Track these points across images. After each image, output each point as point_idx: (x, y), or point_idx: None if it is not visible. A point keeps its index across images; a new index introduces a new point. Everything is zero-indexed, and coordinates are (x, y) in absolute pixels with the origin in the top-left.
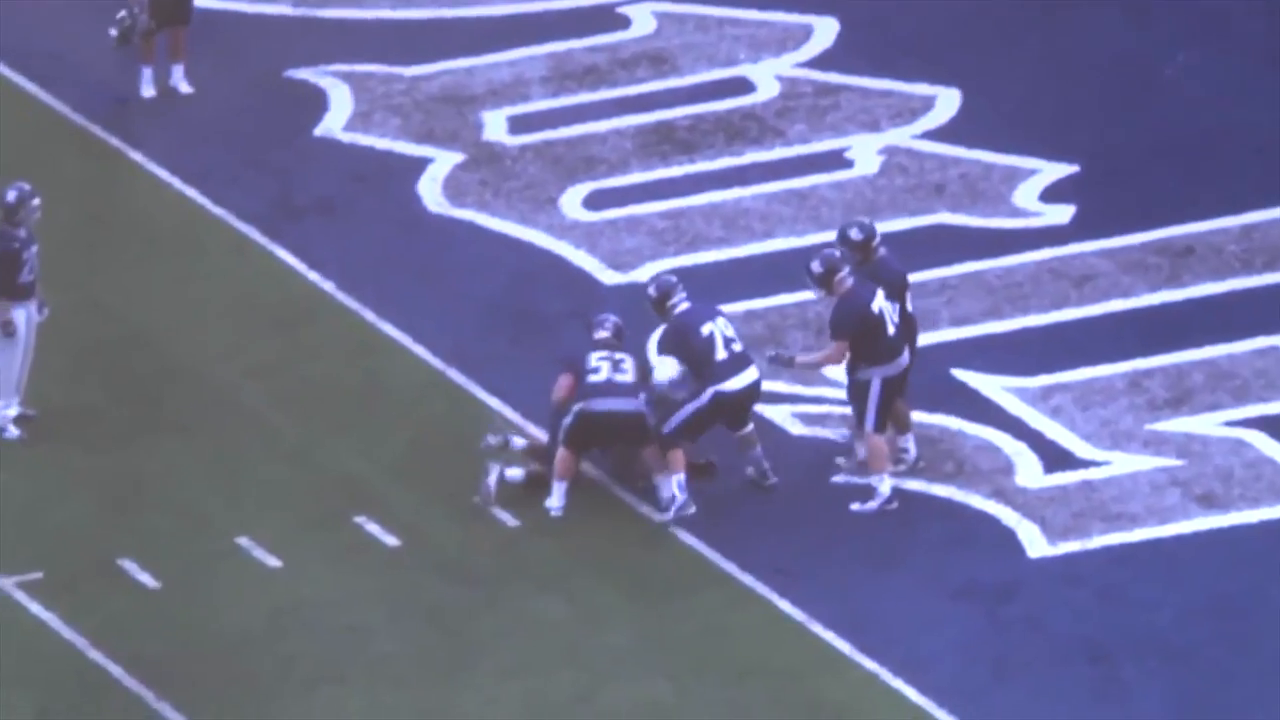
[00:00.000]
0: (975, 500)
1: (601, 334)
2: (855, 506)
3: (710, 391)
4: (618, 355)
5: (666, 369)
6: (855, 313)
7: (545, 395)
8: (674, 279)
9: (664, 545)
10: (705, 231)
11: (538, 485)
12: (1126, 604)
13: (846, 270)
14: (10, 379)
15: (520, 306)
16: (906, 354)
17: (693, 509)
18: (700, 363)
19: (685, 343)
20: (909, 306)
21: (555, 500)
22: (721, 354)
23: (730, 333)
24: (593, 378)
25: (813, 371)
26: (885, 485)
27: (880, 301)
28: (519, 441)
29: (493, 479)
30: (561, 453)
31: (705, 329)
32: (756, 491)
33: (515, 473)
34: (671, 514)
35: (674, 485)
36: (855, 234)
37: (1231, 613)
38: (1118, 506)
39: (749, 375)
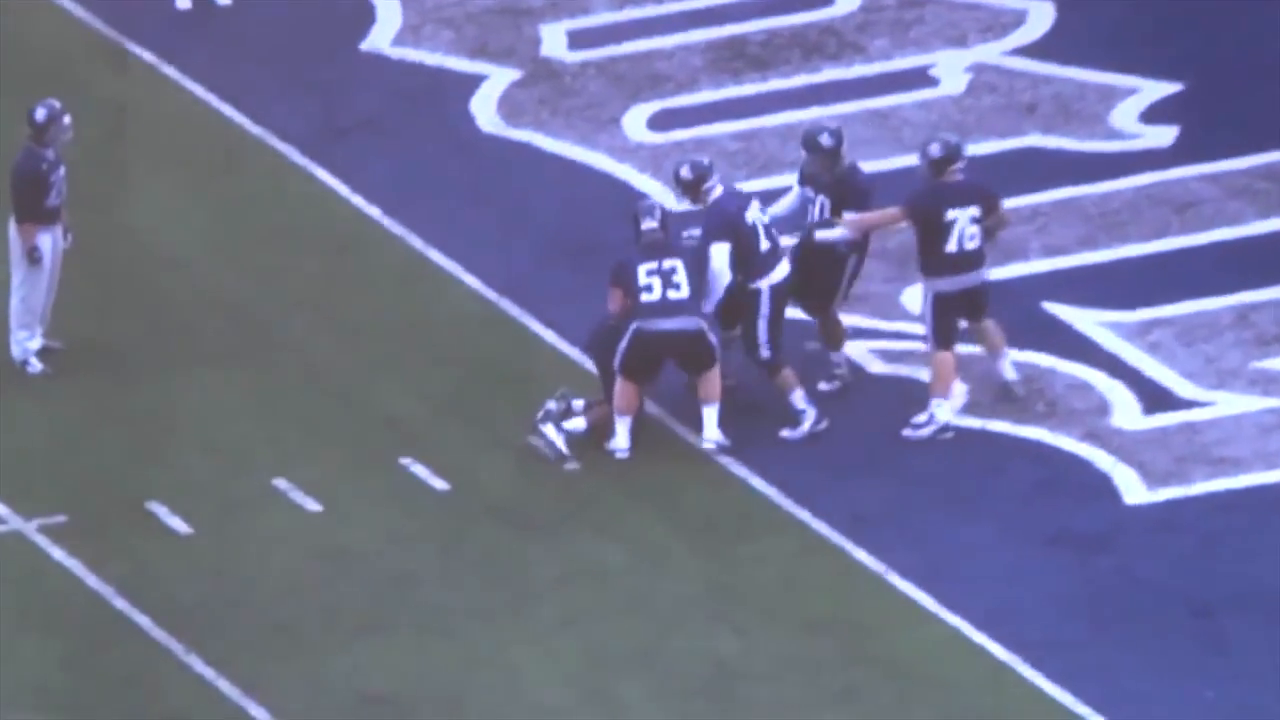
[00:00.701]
0: (1068, 443)
1: (649, 223)
2: (907, 432)
3: (767, 289)
4: (667, 264)
5: (723, 262)
6: (930, 205)
7: (594, 323)
8: (707, 161)
9: (732, 489)
10: (779, 154)
11: (602, 431)
12: (1231, 555)
13: (961, 164)
14: (35, 308)
15: (580, 235)
16: (979, 274)
17: (825, 423)
18: (747, 255)
19: (734, 230)
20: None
21: (621, 440)
22: (765, 244)
23: (765, 220)
24: (646, 296)
25: (863, 228)
26: (941, 411)
27: (963, 215)
28: (579, 404)
29: (560, 440)
30: (620, 385)
31: (749, 216)
32: (830, 431)
33: (577, 423)
34: (807, 429)
35: (800, 400)
36: (826, 140)
37: None
38: (1222, 450)
39: (785, 266)
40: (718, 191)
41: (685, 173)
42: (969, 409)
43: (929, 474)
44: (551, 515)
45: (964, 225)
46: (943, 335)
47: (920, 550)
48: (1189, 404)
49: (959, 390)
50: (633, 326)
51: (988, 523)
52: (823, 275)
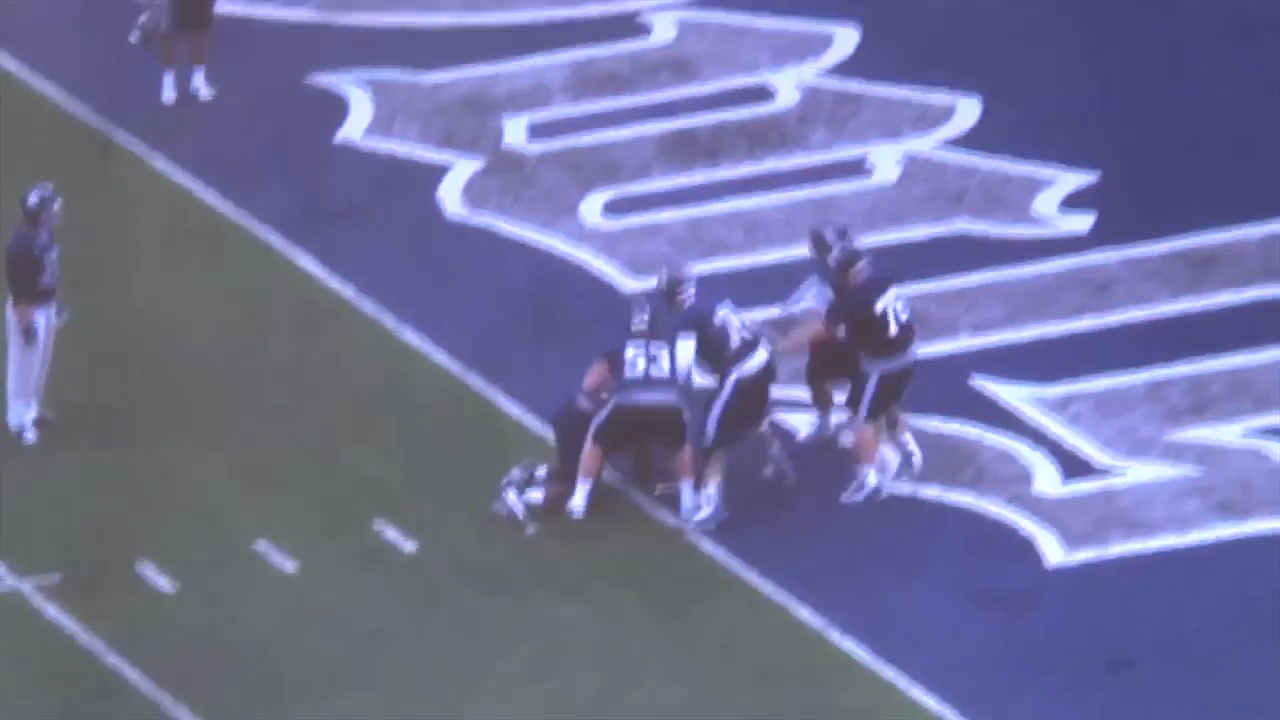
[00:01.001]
0: (994, 507)
1: (640, 320)
2: (845, 497)
3: (732, 380)
4: (653, 348)
5: (687, 353)
6: (857, 307)
7: (567, 396)
8: (685, 271)
9: (684, 551)
10: (725, 238)
11: (558, 507)
12: (1146, 612)
13: (864, 261)
14: (29, 382)
15: (540, 313)
16: (910, 355)
17: (725, 515)
18: (716, 351)
19: (701, 331)
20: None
21: (578, 501)
22: (735, 339)
23: (739, 318)
24: (630, 372)
25: (796, 349)
26: (872, 477)
27: (888, 299)
28: (541, 471)
29: (518, 506)
30: (590, 449)
31: (718, 316)
32: (777, 495)
33: (536, 495)
34: (702, 518)
35: (711, 491)
36: (829, 236)
37: (1252, 620)
38: (1137, 514)
39: (761, 356)
40: (691, 297)
41: (661, 281)
42: (903, 475)
43: (867, 536)
44: (516, 575)
45: (893, 305)
46: (876, 409)
47: (860, 608)
48: (1106, 472)
49: (890, 456)
50: (614, 400)
51: (923, 582)
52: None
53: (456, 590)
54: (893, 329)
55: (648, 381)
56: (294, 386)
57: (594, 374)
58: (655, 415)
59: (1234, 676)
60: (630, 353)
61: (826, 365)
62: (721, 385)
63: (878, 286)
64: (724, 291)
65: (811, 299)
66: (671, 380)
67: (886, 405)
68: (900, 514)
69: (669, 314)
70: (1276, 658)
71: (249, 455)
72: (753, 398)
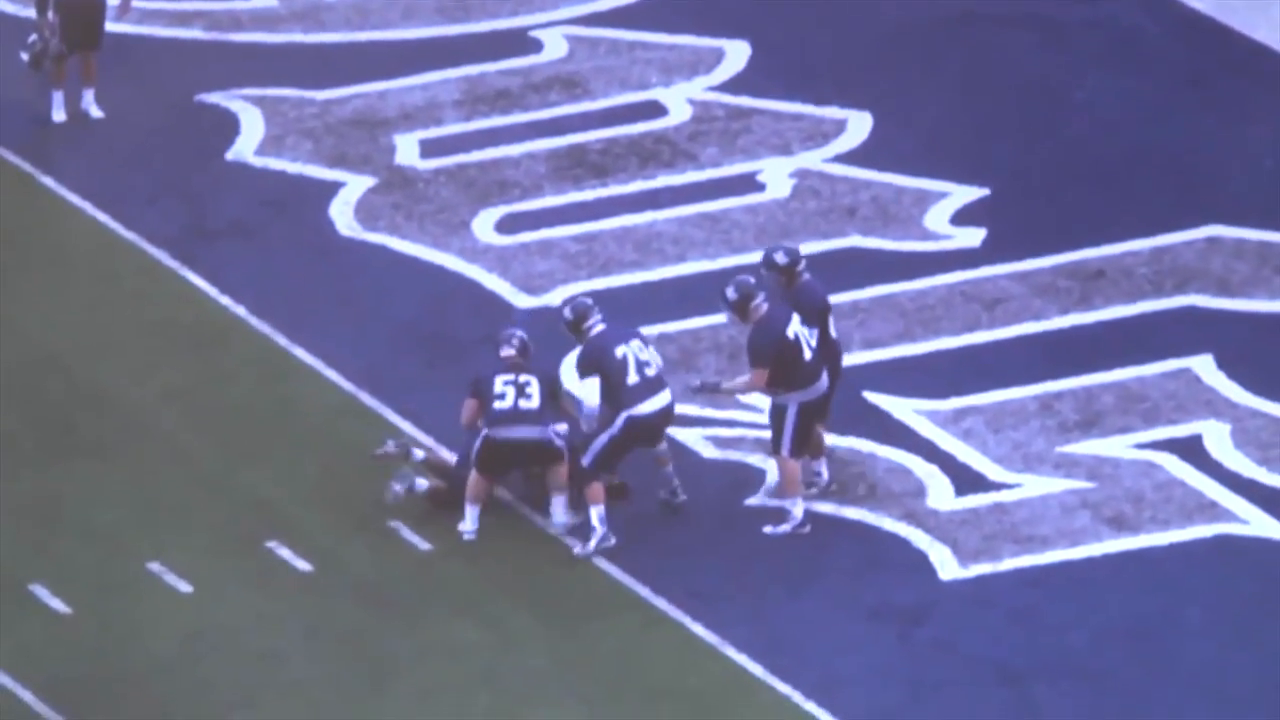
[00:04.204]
0: (887, 523)
1: (508, 351)
2: (768, 529)
3: (624, 417)
4: (523, 378)
5: (591, 393)
6: (771, 339)
7: (458, 419)
8: (589, 301)
9: (578, 569)
10: (618, 255)
11: (441, 501)
12: (1039, 626)
13: (761, 297)
14: None
15: (433, 330)
16: (825, 379)
17: (613, 540)
18: (613, 387)
19: (599, 365)
20: (832, 332)
21: (468, 524)
22: (634, 378)
23: (645, 356)
24: (498, 404)
25: (733, 397)
26: (798, 509)
27: (796, 326)
28: (419, 453)
29: (401, 488)
30: (473, 476)
31: (619, 351)
32: (668, 513)
33: (422, 482)
34: (592, 547)
35: (593, 518)
36: (780, 258)
37: (1144, 634)
38: (1029, 529)
39: (661, 399)
40: (599, 329)
41: (567, 313)
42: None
43: (761, 552)
44: (409, 595)
45: (803, 335)
46: (799, 443)
47: (754, 624)
48: (998, 486)
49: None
50: (484, 433)
51: (816, 597)
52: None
53: (350, 611)
54: (807, 354)
55: (515, 414)
56: (185, 407)
57: (466, 410)
58: (524, 448)
59: (1124, 692)
60: (499, 384)
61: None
62: (613, 420)
63: (783, 315)
64: (616, 309)
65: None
66: (540, 412)
67: (808, 435)
68: (794, 530)
69: (576, 341)
70: (1166, 672)
71: (140, 477)
72: (645, 434)
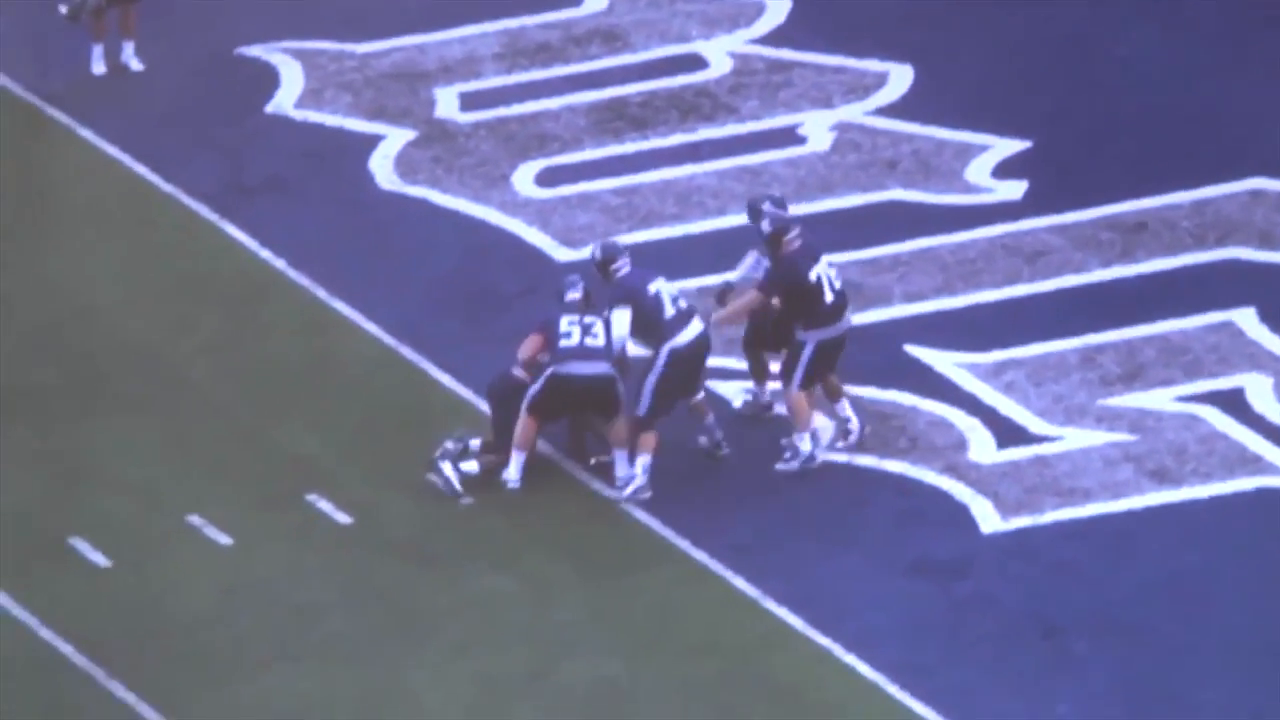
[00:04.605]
0: (928, 476)
1: (573, 295)
2: (779, 466)
3: (665, 350)
4: (588, 319)
5: (622, 322)
6: (792, 279)
7: (497, 372)
8: (618, 243)
9: (616, 522)
10: (658, 208)
11: (494, 477)
12: (1079, 580)
13: (795, 232)
14: None
15: (472, 284)
16: (847, 320)
17: (649, 494)
18: (651, 322)
19: (634, 300)
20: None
21: (513, 472)
22: (670, 310)
23: (674, 290)
24: (565, 342)
25: (734, 320)
26: (805, 443)
27: (822, 268)
28: (475, 442)
29: (453, 478)
30: (525, 420)
31: (651, 288)
32: (709, 465)
33: (471, 465)
34: (628, 493)
35: (639, 466)
36: (767, 207)
37: (1184, 588)
38: (1070, 482)
39: (696, 327)
40: (625, 270)
41: (596, 253)
42: (839, 444)
43: (800, 506)
44: (448, 548)
45: (826, 273)
46: (809, 378)
47: (793, 577)
48: (1040, 439)
49: (824, 424)
50: (549, 370)
51: (856, 551)
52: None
53: (388, 565)
54: (828, 296)
55: (583, 351)
56: (223, 360)
57: (529, 344)
58: (590, 385)
59: (1164, 646)
60: (565, 324)
61: (763, 336)
62: (656, 356)
63: (811, 254)
64: (657, 261)
65: (748, 268)
66: (606, 350)
67: (821, 374)
68: (835, 483)
69: (604, 286)
70: (1206, 627)
71: (180, 431)
72: (687, 369)
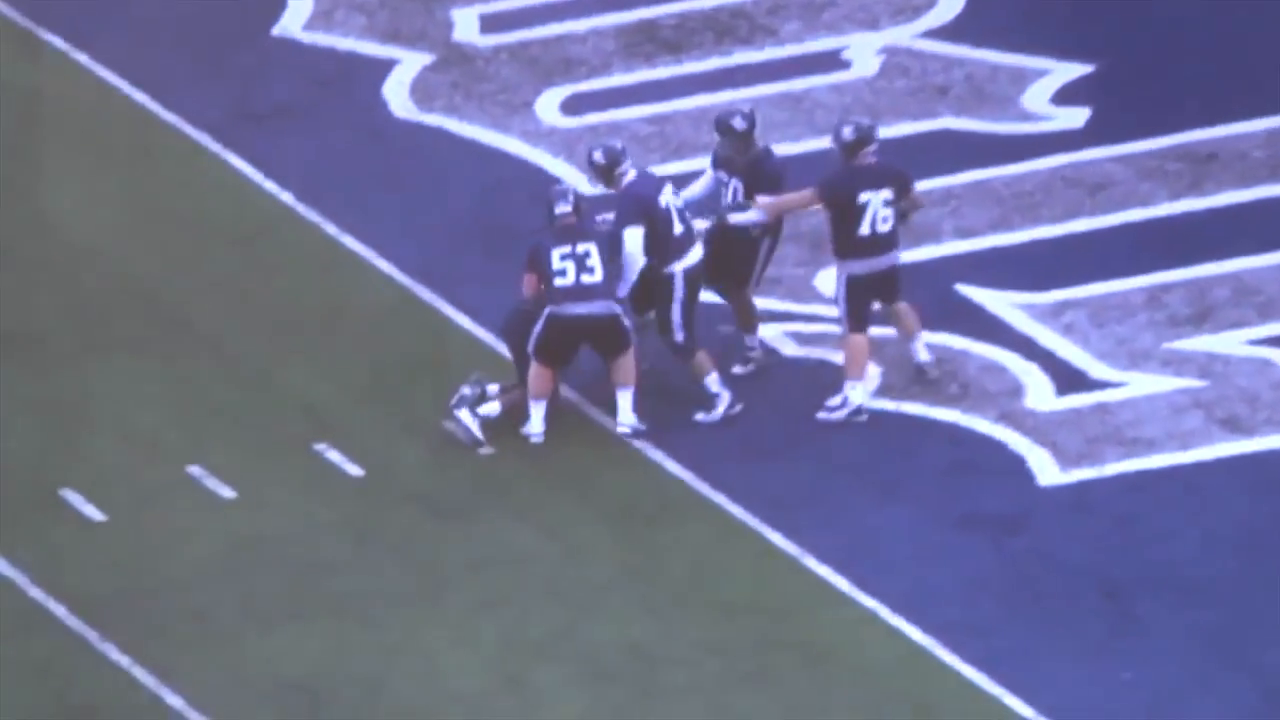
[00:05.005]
0: (981, 424)
1: (563, 208)
2: (821, 415)
3: (680, 273)
4: (580, 248)
5: (636, 240)
6: (845, 188)
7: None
8: (620, 145)
9: (648, 473)
10: (692, 138)
11: (517, 415)
12: (1143, 535)
13: (873, 148)
14: None
15: (493, 219)
16: (894, 256)
17: (739, 407)
18: (660, 238)
19: (647, 213)
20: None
21: (535, 425)
22: (679, 228)
23: (679, 204)
24: (559, 281)
25: (781, 209)
26: (857, 393)
27: (874, 198)
28: (493, 388)
29: (475, 425)
30: (534, 370)
31: (663, 200)
32: (745, 415)
33: (491, 408)
34: (720, 413)
35: (713, 385)
36: (738, 123)
37: (1255, 545)
38: (1134, 430)
39: (699, 250)
40: (631, 176)
41: (598, 157)
42: (883, 391)
43: (845, 457)
44: (467, 500)
45: (877, 208)
46: (856, 318)
47: (837, 533)
48: (1102, 385)
49: (873, 372)
50: (547, 311)
51: (903, 505)
52: (736, 258)
53: (403, 518)
54: (864, 228)
55: (580, 291)
56: (228, 301)
57: (528, 285)
58: (592, 325)
59: (1233, 605)
60: (557, 259)
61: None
62: (670, 281)
63: (873, 179)
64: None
65: (705, 186)
66: (605, 284)
67: (866, 311)
68: (880, 432)
69: (609, 190)
70: (1277, 584)
71: (180, 376)
72: (696, 288)
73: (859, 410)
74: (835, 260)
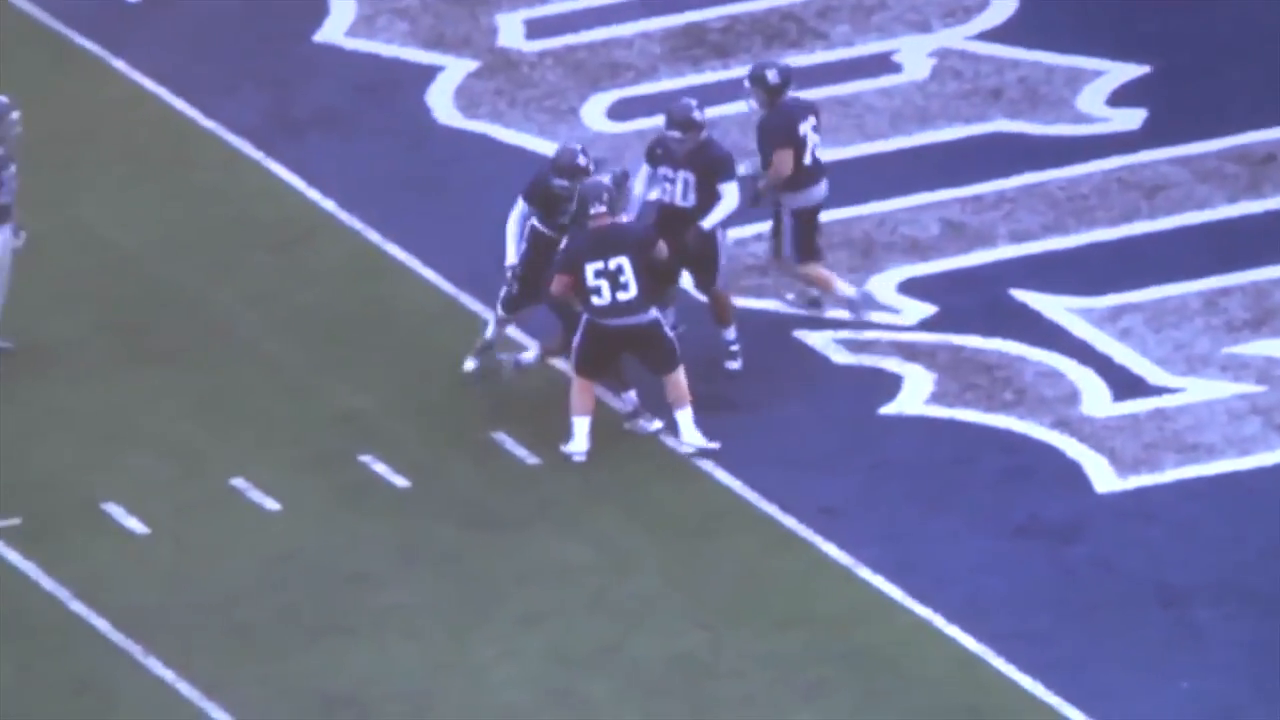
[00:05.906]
0: (1037, 431)
1: (598, 209)
2: (828, 313)
3: (796, 206)
4: (613, 263)
5: (786, 163)
6: (785, 127)
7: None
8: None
9: (697, 484)
10: (741, 142)
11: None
12: (1202, 543)
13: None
14: None
15: None
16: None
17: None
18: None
19: (792, 140)
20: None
21: (578, 444)
22: (808, 159)
23: (817, 138)
24: (596, 300)
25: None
26: (847, 288)
27: (807, 126)
28: (527, 357)
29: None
30: (577, 385)
31: (802, 129)
32: (795, 422)
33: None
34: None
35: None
36: (772, 76)
37: None
38: (1193, 437)
39: (824, 186)
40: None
41: (772, 76)
42: (937, 398)
43: (897, 465)
44: (513, 513)
45: (810, 134)
46: (810, 248)
47: (889, 543)
48: (1159, 390)
49: (846, 287)
50: (585, 319)
51: (957, 513)
52: (701, 256)
53: (449, 530)
54: (807, 157)
55: (616, 308)
56: (270, 310)
57: (558, 285)
58: (631, 333)
59: None
60: (591, 275)
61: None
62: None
63: (803, 110)
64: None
65: (645, 183)
66: (641, 299)
67: (815, 241)
68: (934, 440)
69: (762, 104)
70: None
71: (221, 386)
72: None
73: (859, 300)
74: (783, 197)
